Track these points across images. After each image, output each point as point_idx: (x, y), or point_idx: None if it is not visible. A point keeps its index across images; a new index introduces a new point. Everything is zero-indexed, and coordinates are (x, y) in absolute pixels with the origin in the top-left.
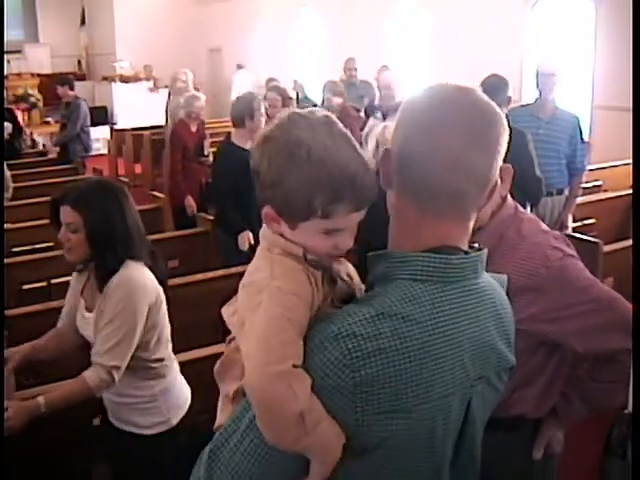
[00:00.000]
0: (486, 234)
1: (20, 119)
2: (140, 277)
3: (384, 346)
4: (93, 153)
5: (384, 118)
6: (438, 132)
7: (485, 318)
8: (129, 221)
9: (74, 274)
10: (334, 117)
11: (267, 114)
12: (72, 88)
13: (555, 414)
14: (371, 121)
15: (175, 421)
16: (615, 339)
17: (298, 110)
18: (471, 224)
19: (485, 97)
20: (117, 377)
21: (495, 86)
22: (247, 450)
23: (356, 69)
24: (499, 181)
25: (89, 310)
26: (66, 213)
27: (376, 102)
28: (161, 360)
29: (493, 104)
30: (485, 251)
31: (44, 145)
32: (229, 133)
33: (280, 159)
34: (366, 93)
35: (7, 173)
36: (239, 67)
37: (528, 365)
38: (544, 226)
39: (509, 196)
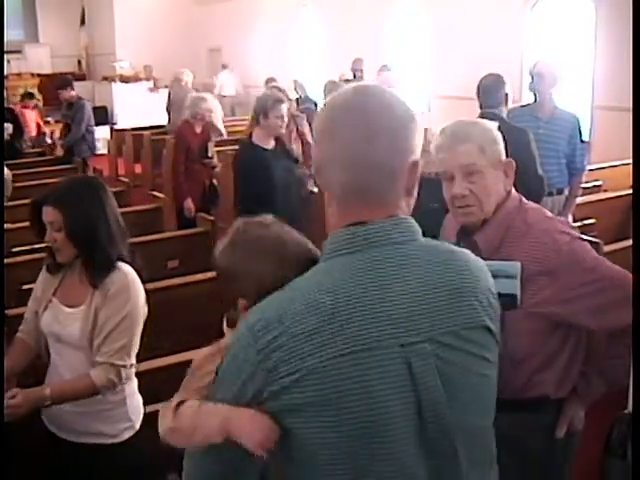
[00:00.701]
0: (493, 226)
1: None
2: (137, 279)
3: (291, 313)
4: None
5: None
6: (336, 134)
7: (418, 279)
8: (110, 218)
9: (43, 276)
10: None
11: None
12: (73, 88)
13: (576, 393)
14: None
15: (138, 425)
16: (627, 314)
17: None
18: (395, 206)
19: (387, 94)
20: (124, 377)
21: (492, 84)
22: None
23: (362, 70)
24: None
25: (70, 306)
26: (48, 213)
27: None
28: (132, 364)
29: (395, 99)
30: (410, 219)
31: (53, 142)
32: (251, 132)
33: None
34: None
35: (8, 173)
36: (224, 67)
37: (546, 348)
38: (548, 213)
39: (513, 189)
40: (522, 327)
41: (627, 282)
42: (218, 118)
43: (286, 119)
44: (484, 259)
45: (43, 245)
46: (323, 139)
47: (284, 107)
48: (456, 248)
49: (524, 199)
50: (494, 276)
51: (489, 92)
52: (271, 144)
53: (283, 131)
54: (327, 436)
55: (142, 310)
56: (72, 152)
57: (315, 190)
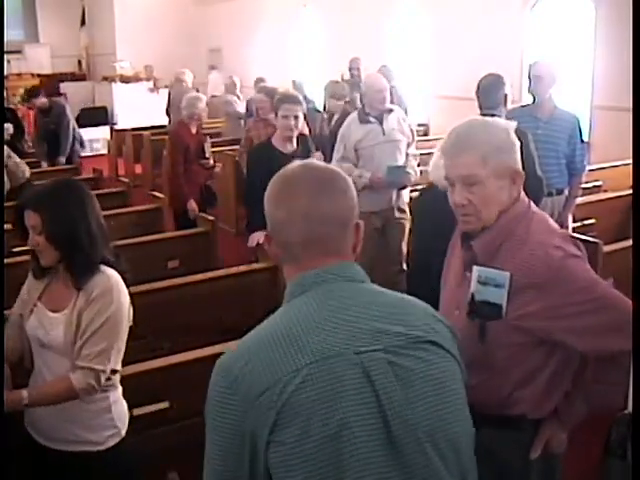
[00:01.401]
0: (492, 232)
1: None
2: (120, 282)
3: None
4: (93, 153)
5: (380, 123)
6: (293, 194)
7: (369, 304)
8: (92, 220)
9: (29, 280)
10: None
11: (258, 115)
12: (44, 95)
13: (556, 414)
14: (365, 127)
15: (124, 431)
16: (614, 340)
17: None
18: (347, 255)
19: (322, 165)
20: (103, 382)
21: (491, 85)
22: None
23: (359, 69)
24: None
25: (55, 311)
26: (29, 217)
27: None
28: (117, 370)
29: (330, 170)
30: (358, 266)
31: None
32: (273, 133)
33: None
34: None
35: (18, 160)
36: (212, 68)
37: (526, 364)
38: (554, 226)
39: (523, 194)
40: (504, 338)
41: (623, 307)
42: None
43: (299, 120)
44: (479, 265)
45: (28, 249)
46: (280, 201)
47: (290, 106)
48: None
49: (534, 206)
50: (483, 283)
51: (488, 92)
52: (289, 147)
53: (295, 132)
54: (302, 448)
55: (126, 314)
56: (57, 152)
57: None
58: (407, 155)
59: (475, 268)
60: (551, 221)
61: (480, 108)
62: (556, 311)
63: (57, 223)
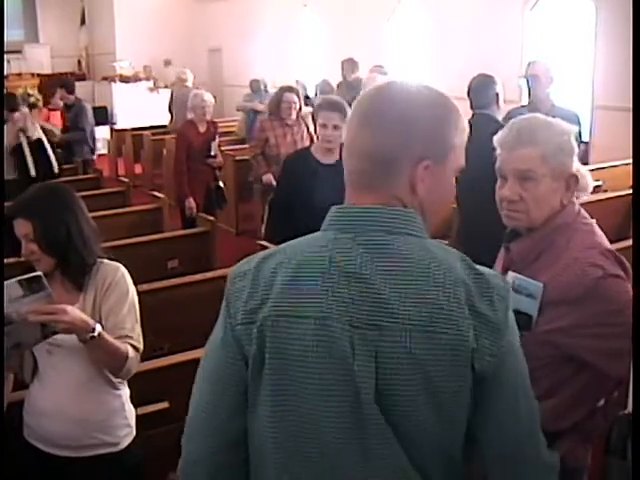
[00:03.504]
0: (535, 239)
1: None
2: (127, 273)
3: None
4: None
5: None
6: (348, 122)
7: (384, 269)
8: (81, 221)
9: None
10: None
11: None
12: (70, 91)
13: (575, 428)
14: None
15: (135, 430)
16: None
17: None
18: (389, 196)
19: (416, 91)
20: (137, 364)
21: (481, 84)
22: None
23: (352, 70)
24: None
25: None
26: (20, 226)
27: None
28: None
29: (424, 99)
30: (406, 213)
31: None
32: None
33: None
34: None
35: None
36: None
37: (550, 377)
38: (599, 240)
39: (576, 204)
40: (531, 351)
41: None
42: None
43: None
44: (516, 270)
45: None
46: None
47: (327, 114)
48: (452, 263)
49: (585, 216)
50: (516, 291)
51: (478, 92)
52: (330, 158)
53: (334, 143)
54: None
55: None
56: (72, 153)
57: None
58: None
59: (510, 274)
60: (599, 234)
61: (471, 108)
62: (586, 330)
63: (50, 228)
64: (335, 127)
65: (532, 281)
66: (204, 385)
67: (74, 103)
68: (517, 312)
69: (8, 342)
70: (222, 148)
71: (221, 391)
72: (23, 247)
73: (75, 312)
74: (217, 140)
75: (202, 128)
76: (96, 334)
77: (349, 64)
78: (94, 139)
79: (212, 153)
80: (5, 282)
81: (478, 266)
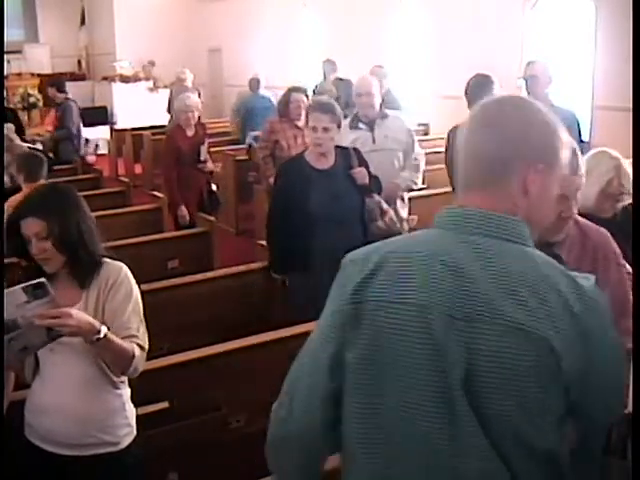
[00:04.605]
0: (578, 244)
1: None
2: (130, 273)
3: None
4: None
5: (371, 130)
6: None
7: (467, 263)
8: (88, 219)
9: None
10: None
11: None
12: (61, 90)
13: None
14: (353, 133)
15: (135, 430)
16: None
17: None
18: (495, 199)
19: (518, 100)
20: (143, 364)
21: (478, 85)
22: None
23: (334, 71)
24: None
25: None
26: (30, 225)
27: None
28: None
29: (537, 112)
30: (511, 220)
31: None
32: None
33: None
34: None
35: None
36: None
37: None
38: None
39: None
40: None
41: None
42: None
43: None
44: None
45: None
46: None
47: (318, 115)
48: (551, 271)
49: None
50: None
51: (474, 93)
52: (325, 163)
53: (324, 148)
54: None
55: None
56: (58, 151)
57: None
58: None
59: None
60: None
61: (469, 108)
62: None
63: (64, 226)
64: (325, 129)
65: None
66: (305, 360)
67: (62, 102)
68: None
69: (15, 346)
70: (222, 148)
71: (319, 367)
72: (34, 246)
73: (80, 315)
74: (206, 144)
75: (190, 132)
76: (102, 336)
77: (329, 64)
78: (79, 138)
79: (202, 158)
80: (9, 289)
81: (579, 279)
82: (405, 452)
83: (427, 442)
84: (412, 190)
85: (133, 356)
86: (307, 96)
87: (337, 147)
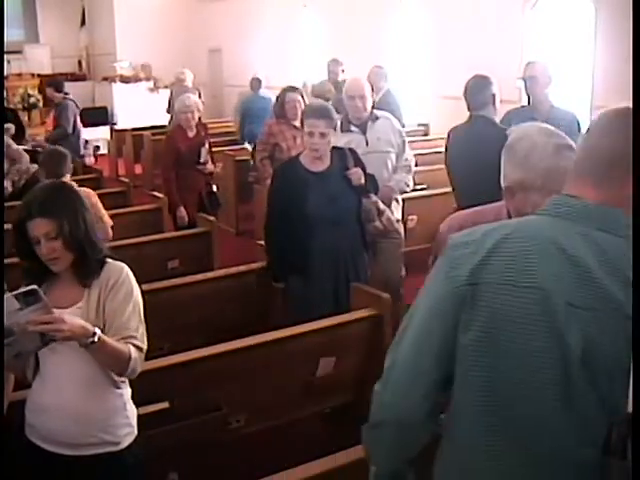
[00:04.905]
0: None
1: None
2: (131, 273)
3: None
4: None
5: (363, 132)
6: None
7: (579, 248)
8: (91, 217)
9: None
10: None
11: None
12: (59, 90)
13: None
14: (345, 137)
15: (136, 429)
16: None
17: None
18: (615, 192)
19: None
20: (140, 366)
21: (476, 86)
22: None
23: (343, 70)
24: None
25: (63, 307)
26: (38, 225)
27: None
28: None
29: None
30: (614, 211)
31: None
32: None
33: None
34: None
35: (17, 147)
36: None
37: None
38: None
39: None
40: None
41: None
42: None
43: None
44: None
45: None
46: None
47: (314, 121)
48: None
49: None
50: None
51: (474, 93)
52: (320, 166)
53: (321, 152)
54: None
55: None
56: None
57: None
58: (396, 167)
59: None
60: None
61: (468, 109)
62: None
63: (74, 225)
64: (322, 135)
65: None
66: (410, 341)
67: (60, 102)
68: None
69: (9, 353)
70: (222, 148)
71: (426, 351)
72: (43, 247)
73: (73, 320)
74: (207, 145)
75: (191, 133)
76: (96, 339)
77: (334, 65)
78: (78, 138)
79: (202, 160)
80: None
81: None
82: (522, 428)
83: (544, 425)
84: (405, 192)
85: (129, 358)
86: (302, 96)
87: (333, 148)
